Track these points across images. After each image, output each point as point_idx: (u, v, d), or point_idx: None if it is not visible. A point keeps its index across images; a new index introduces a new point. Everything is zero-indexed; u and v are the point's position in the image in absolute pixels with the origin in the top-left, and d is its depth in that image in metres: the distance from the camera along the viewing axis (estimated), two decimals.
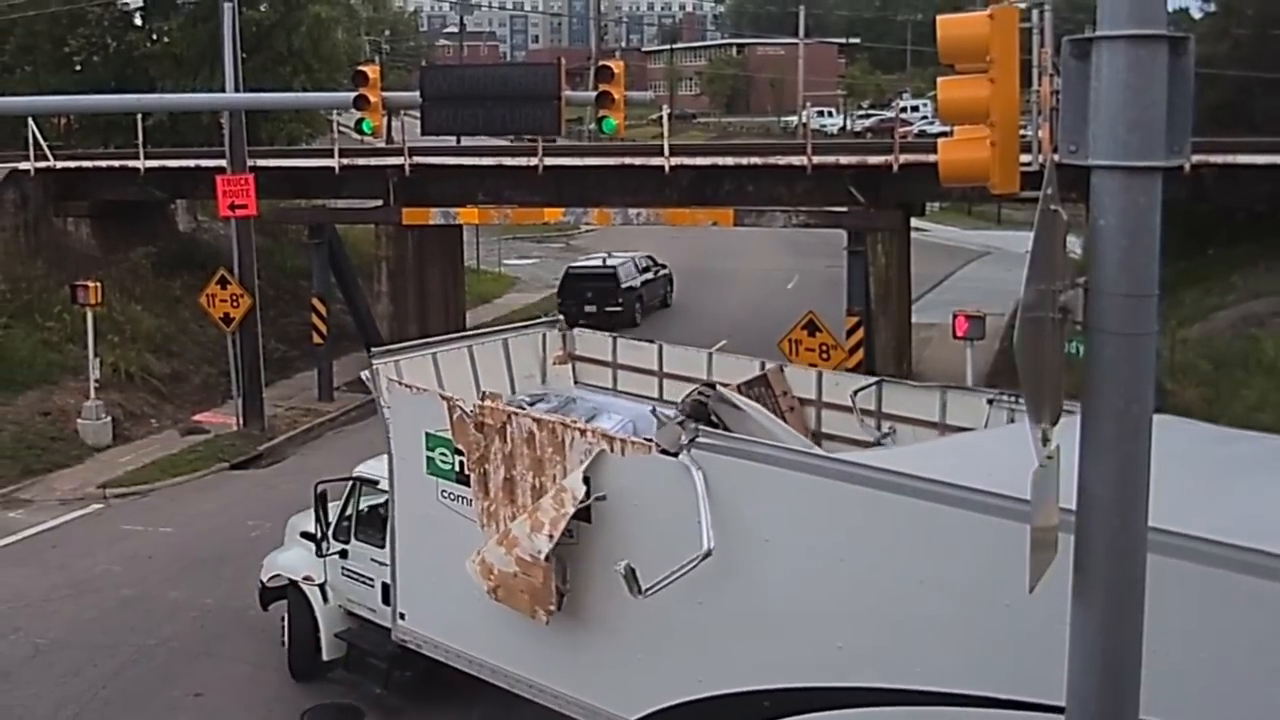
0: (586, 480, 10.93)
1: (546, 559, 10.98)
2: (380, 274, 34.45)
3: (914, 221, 32.83)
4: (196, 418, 28.82)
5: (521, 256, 56.28)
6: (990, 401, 12.79)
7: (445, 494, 12.62)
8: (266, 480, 25.71)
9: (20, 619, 18.08)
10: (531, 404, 14.39)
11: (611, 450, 10.99)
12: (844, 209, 28.60)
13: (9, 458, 25.30)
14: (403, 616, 13.60)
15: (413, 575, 13.42)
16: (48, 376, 28.12)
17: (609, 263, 42.81)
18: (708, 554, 9.74)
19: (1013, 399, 12.32)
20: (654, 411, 11.94)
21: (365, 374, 13.80)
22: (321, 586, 15.25)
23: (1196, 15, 45.62)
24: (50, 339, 29.00)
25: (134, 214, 35.12)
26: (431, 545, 12.96)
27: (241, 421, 28.04)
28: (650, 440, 10.79)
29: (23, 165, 32.58)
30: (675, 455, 10.31)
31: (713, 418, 12.63)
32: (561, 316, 17.17)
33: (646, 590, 9.85)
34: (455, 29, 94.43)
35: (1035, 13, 6.51)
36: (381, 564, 14.08)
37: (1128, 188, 5.81)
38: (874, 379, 14.46)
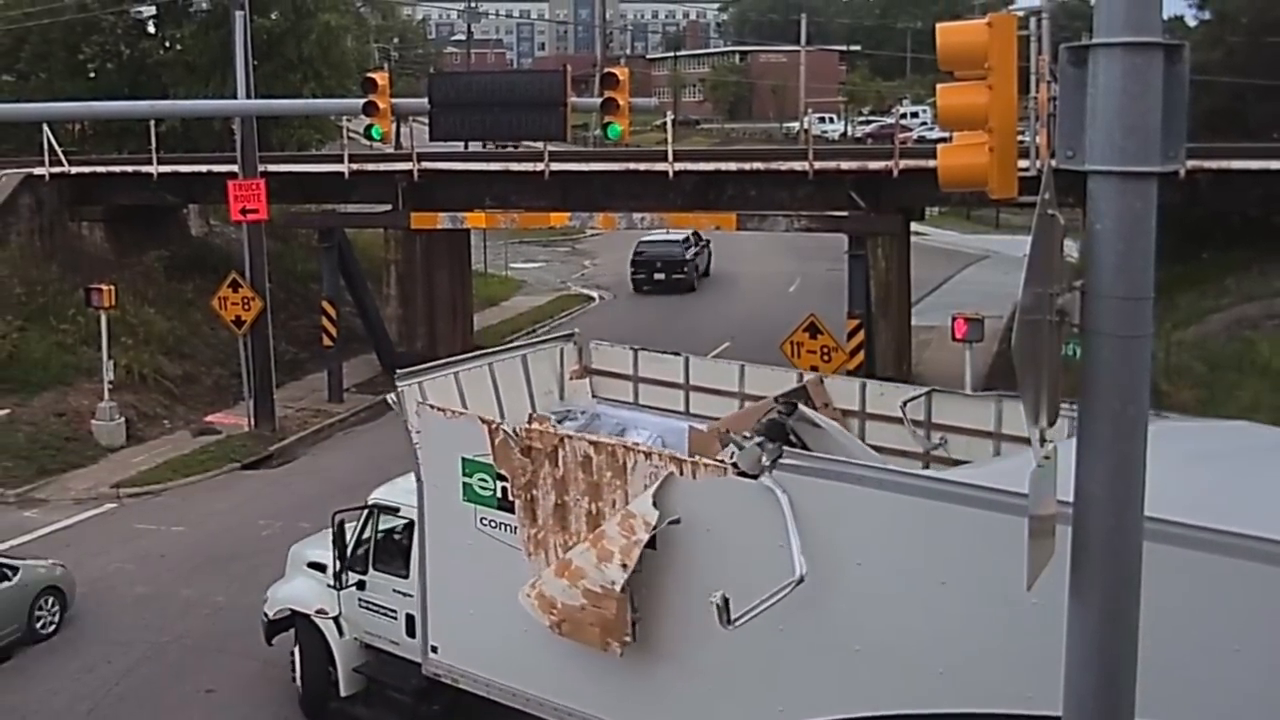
0: (656, 504, 10.25)
1: (622, 590, 10.27)
2: (389, 277, 34.50)
3: (914, 226, 32.80)
4: (208, 418, 28.83)
5: (528, 260, 56.30)
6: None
7: (485, 521, 11.85)
8: (277, 480, 25.76)
9: None
10: (559, 422, 13.75)
11: (681, 473, 10.28)
12: (845, 213, 28.58)
13: (24, 458, 25.36)
14: (435, 649, 12.81)
15: (447, 606, 12.63)
16: (62, 378, 28.17)
17: (672, 237, 46.03)
18: (800, 580, 9.08)
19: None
20: (729, 433, 11.02)
21: (391, 398, 12.99)
22: (336, 619, 14.44)
23: (1191, 23, 45.54)
24: (65, 341, 29.05)
25: (147, 218, 35.17)
26: (469, 575, 12.22)
27: (253, 422, 28.05)
28: (725, 461, 10.16)
29: (38, 170, 32.67)
30: (755, 478, 9.69)
31: (791, 437, 11.90)
32: (577, 330, 16.34)
33: (735, 620, 9.14)
34: (463, 37, 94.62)
35: (1033, 20, 6.50)
36: (405, 594, 13.42)
37: (1124, 192, 5.81)
38: (923, 389, 13.71)
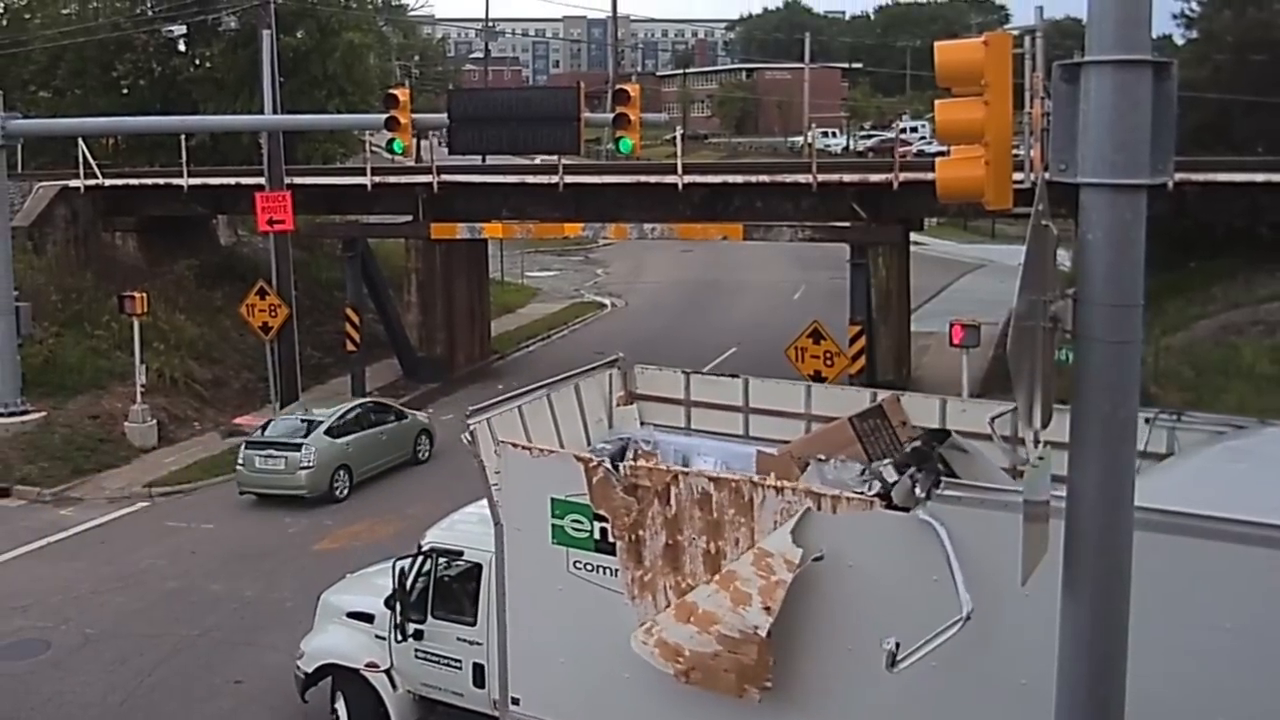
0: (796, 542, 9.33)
1: (769, 635, 9.27)
2: (410, 285, 34.57)
3: (913, 236, 32.79)
4: (237, 420, 28.85)
5: (543, 269, 56.32)
6: (1148, 421, 10.99)
7: (580, 565, 10.69)
8: None
9: (71, 610, 18.17)
10: (619, 452, 12.63)
11: (819, 508, 9.32)
12: (847, 224, 28.61)
13: (60, 459, 25.45)
14: (516, 701, 11.49)
15: (531, 655, 11.35)
16: (97, 382, 28.27)
17: None
18: (968, 618, 8.27)
19: (1174, 417, 11.17)
20: (868, 468, 10.02)
21: (465, 437, 11.51)
22: (388, 672, 13.11)
23: (1179, 41, 45.49)
24: (99, 347, 29.15)
25: (178, 228, 35.27)
26: (559, 622, 11.06)
27: None
28: (869, 494, 9.26)
29: (73, 183, 32.79)
30: (908, 510, 8.91)
31: (940, 466, 10.68)
32: (622, 354, 14.84)
33: (900, 662, 8.33)
34: (481, 54, 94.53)
35: (1027, 39, 6.52)
36: (472, 643, 12.26)
37: (1114, 204, 5.81)
38: (1012, 404, 12.97)
